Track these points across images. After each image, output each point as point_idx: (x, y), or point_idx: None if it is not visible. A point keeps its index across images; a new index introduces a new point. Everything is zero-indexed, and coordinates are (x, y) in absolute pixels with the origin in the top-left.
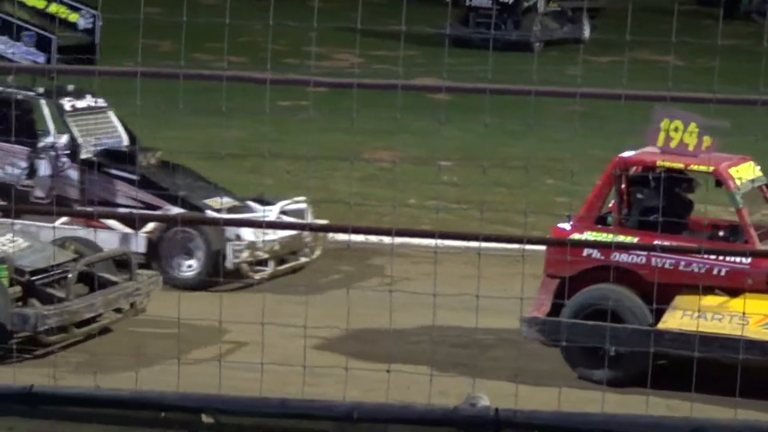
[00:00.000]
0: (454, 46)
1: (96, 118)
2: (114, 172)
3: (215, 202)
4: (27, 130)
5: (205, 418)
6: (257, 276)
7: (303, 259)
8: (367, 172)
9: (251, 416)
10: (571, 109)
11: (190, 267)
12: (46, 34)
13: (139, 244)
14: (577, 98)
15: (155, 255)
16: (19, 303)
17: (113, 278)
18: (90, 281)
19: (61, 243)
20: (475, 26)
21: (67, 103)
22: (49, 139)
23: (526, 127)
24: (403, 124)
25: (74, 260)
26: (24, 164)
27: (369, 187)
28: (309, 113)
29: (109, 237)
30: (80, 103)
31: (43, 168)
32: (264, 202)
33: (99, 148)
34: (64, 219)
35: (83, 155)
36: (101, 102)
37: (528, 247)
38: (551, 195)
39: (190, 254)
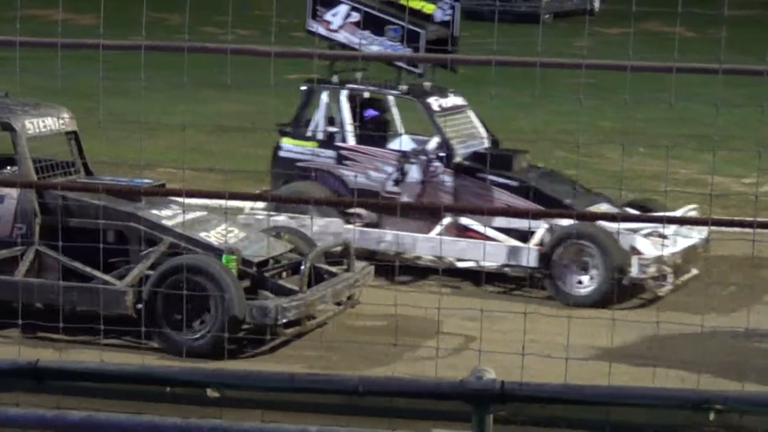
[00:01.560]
0: (465, 19)
1: (461, 117)
2: (492, 177)
3: (598, 209)
4: (382, 132)
5: (211, 393)
6: (661, 292)
7: (694, 271)
8: None
9: (260, 390)
10: (579, 82)
11: (592, 279)
12: (415, 28)
13: (530, 257)
14: (582, 69)
15: (547, 269)
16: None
17: (333, 270)
18: (312, 272)
19: (276, 233)
20: None
21: (434, 103)
22: (404, 139)
23: (536, 100)
24: None
25: (291, 250)
26: (390, 169)
27: None
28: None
29: (495, 249)
30: (446, 102)
31: (414, 173)
32: (642, 208)
33: (470, 150)
34: (438, 229)
35: (455, 159)
36: (462, 100)
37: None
38: (561, 167)
39: (585, 269)
